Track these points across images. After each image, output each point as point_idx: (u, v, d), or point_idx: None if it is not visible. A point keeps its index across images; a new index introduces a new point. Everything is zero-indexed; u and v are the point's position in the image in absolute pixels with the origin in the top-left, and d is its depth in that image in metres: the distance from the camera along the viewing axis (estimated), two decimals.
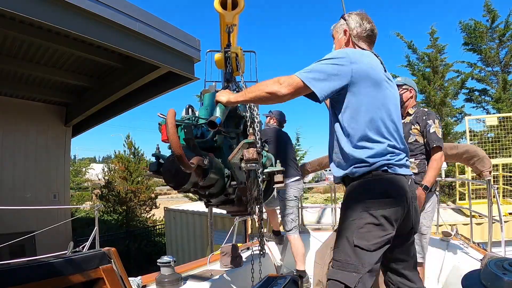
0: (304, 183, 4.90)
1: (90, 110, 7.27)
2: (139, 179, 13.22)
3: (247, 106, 1.71)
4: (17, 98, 7.27)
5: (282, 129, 3.56)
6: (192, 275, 2.54)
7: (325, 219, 6.12)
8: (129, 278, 1.88)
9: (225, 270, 2.68)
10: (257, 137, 1.59)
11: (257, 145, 1.47)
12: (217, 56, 1.89)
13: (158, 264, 2.29)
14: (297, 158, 11.49)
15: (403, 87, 2.59)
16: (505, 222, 3.80)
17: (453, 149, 3.21)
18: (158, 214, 13.92)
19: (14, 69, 5.93)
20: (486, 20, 10.64)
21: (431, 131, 2.42)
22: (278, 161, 1.91)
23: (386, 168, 1.35)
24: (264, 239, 3.39)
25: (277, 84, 1.34)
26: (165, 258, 2.28)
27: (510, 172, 7.59)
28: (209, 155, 1.43)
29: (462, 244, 3.20)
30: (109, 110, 7.54)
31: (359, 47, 1.53)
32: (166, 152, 1.56)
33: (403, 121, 2.48)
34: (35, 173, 7.52)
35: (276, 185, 1.83)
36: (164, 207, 10.29)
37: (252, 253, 1.99)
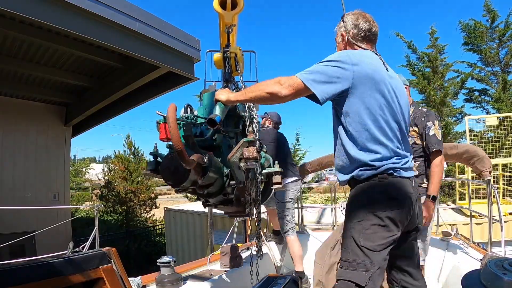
0: (304, 183, 4.90)
1: (90, 110, 7.28)
2: (139, 179, 13.22)
3: (246, 106, 1.70)
4: (17, 98, 7.27)
5: (278, 131, 3.51)
6: (192, 275, 2.54)
7: (325, 219, 6.12)
8: (129, 278, 1.88)
9: (225, 270, 2.67)
10: (256, 136, 1.58)
11: (257, 144, 1.47)
12: (216, 56, 1.89)
13: (158, 264, 2.29)
14: (297, 158, 11.49)
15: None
16: (505, 222, 3.79)
17: (453, 149, 3.21)
18: (158, 214, 13.91)
19: (14, 69, 5.93)
20: (486, 20, 10.65)
21: (431, 133, 2.34)
22: (276, 162, 1.91)
23: (391, 171, 1.36)
24: (264, 239, 3.40)
25: (278, 85, 1.33)
26: (165, 258, 2.28)
27: (510, 172, 7.58)
28: (208, 154, 1.42)
29: (462, 244, 3.19)
30: (109, 110, 7.54)
31: (359, 47, 1.51)
32: (163, 151, 1.56)
33: None
34: (35, 173, 7.53)
35: (274, 186, 1.83)
36: (164, 207, 10.28)
37: (251, 253, 1.99)
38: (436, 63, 10.80)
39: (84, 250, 3.05)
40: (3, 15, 3.73)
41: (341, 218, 3.76)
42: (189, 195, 10.81)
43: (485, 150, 6.98)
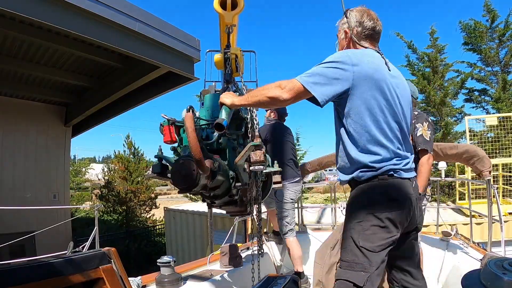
0: (304, 183, 4.88)
1: (90, 110, 7.29)
2: (139, 179, 13.22)
3: (248, 109, 1.72)
4: (17, 98, 7.28)
5: (283, 123, 3.41)
6: (192, 275, 2.54)
7: (325, 219, 6.12)
8: (129, 278, 1.88)
9: (225, 270, 2.67)
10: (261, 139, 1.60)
11: (263, 148, 1.49)
12: (217, 57, 1.90)
13: (158, 264, 2.29)
14: (297, 158, 11.47)
15: None
16: (505, 222, 3.79)
17: (453, 149, 3.21)
18: (158, 214, 13.92)
19: (14, 69, 5.94)
20: (486, 20, 10.65)
21: (418, 134, 2.45)
22: (275, 161, 1.91)
23: (392, 173, 1.36)
24: (264, 239, 3.40)
25: (279, 89, 1.34)
26: (165, 258, 2.28)
27: (510, 172, 7.58)
28: (215, 157, 1.44)
29: (462, 244, 3.19)
30: (109, 110, 7.55)
31: (362, 46, 1.50)
32: (167, 153, 1.57)
33: None
34: (35, 173, 7.53)
35: (274, 186, 1.83)
36: (164, 207, 10.29)
37: (252, 253, 2.00)
38: (436, 63, 10.80)
39: (84, 250, 3.05)
40: (3, 15, 3.73)
41: (341, 218, 3.76)
42: (189, 195, 10.80)
43: (485, 150, 6.99)
